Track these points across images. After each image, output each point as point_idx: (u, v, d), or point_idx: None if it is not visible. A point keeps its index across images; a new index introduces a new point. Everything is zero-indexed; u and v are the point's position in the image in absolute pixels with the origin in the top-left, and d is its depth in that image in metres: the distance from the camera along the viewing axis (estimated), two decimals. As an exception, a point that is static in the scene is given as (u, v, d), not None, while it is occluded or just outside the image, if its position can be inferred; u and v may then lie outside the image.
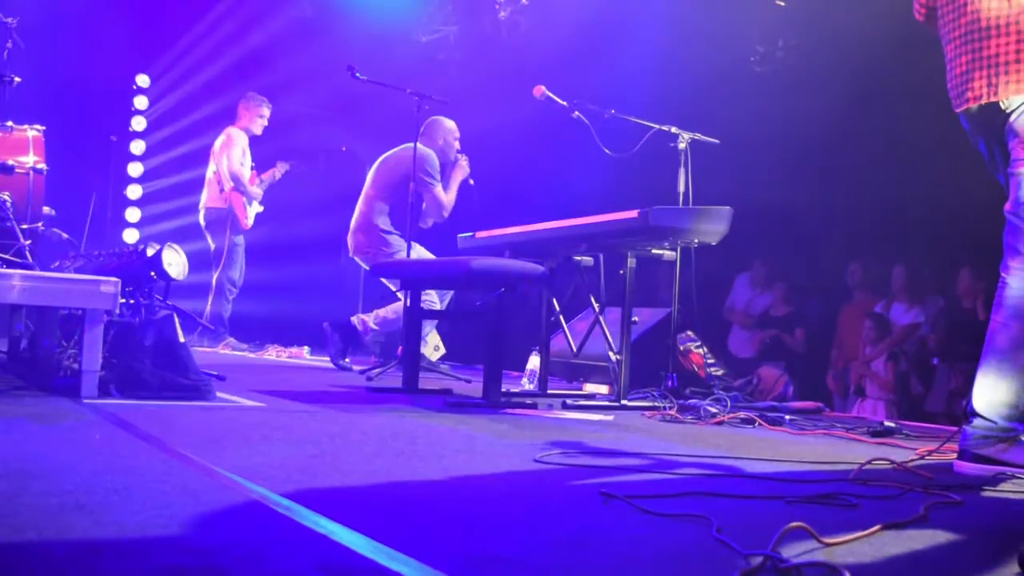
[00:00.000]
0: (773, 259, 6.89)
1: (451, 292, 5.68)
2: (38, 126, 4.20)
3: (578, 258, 4.39)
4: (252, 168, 7.33)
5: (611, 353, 4.13)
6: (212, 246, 7.20)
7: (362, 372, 5.06)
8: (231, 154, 7.10)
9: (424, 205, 5.68)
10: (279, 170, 7.44)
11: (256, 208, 7.32)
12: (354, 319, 5.66)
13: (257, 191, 7.26)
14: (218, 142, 7.22)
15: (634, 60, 6.63)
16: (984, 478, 2.36)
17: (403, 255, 5.50)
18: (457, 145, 5.88)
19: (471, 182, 5.86)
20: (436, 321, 5.72)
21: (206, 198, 7.23)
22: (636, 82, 6.35)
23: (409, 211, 5.42)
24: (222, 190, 7.12)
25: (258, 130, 7.32)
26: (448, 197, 5.71)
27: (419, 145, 5.54)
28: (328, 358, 5.68)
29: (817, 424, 3.74)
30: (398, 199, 5.67)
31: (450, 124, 5.89)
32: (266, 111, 7.34)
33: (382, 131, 6.99)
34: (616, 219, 3.90)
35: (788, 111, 6.04)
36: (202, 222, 7.26)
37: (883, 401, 6.00)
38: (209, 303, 7.11)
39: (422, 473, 2.12)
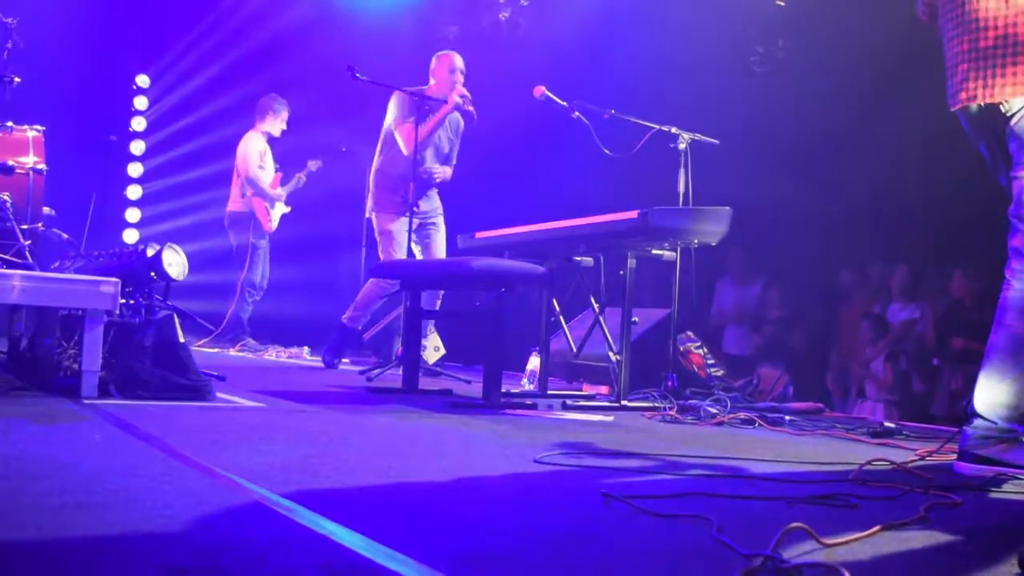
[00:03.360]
0: (752, 250, 6.86)
1: (441, 292, 5.66)
2: (38, 126, 4.20)
3: (578, 258, 4.38)
4: (277, 170, 7.35)
5: (611, 353, 4.13)
6: (234, 246, 7.25)
7: (362, 372, 5.06)
8: (248, 160, 7.13)
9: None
10: (312, 167, 7.43)
11: (282, 209, 7.34)
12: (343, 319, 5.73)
13: (280, 193, 7.28)
14: (239, 146, 7.25)
15: (634, 60, 6.63)
16: (984, 479, 2.36)
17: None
18: (455, 78, 5.58)
19: (472, 113, 5.49)
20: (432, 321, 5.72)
21: (229, 200, 7.29)
22: (636, 82, 6.35)
23: (409, 208, 5.40)
24: (244, 194, 7.16)
25: (277, 132, 7.34)
26: (407, 133, 5.46)
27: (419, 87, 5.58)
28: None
29: (817, 425, 3.74)
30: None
31: (442, 59, 5.66)
32: (285, 113, 7.36)
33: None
34: (616, 219, 3.90)
35: (788, 111, 6.04)
36: (225, 223, 7.32)
37: (883, 402, 6.00)
38: (233, 305, 7.14)
39: (422, 473, 2.12)
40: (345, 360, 5.72)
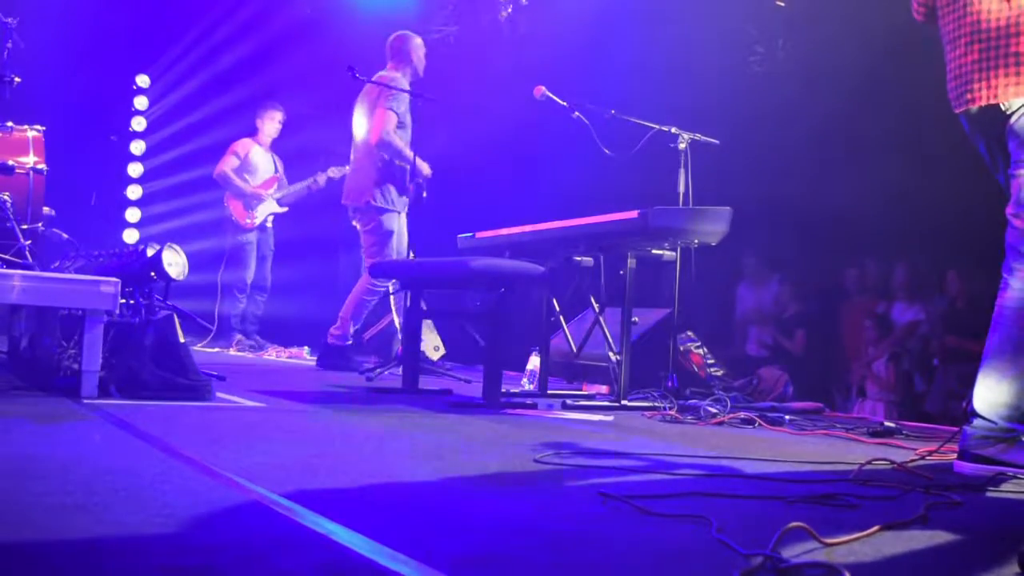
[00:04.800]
0: (765, 251, 6.87)
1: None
2: (38, 126, 4.20)
3: (578, 258, 4.39)
4: (276, 173, 7.39)
5: (611, 353, 4.13)
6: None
7: (362, 372, 5.06)
8: (223, 159, 7.23)
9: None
10: (333, 174, 7.44)
11: (271, 208, 7.35)
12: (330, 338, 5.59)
13: (272, 193, 7.31)
14: None
15: (634, 60, 6.63)
16: (984, 478, 2.36)
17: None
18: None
19: (423, 189, 5.46)
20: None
21: None
22: (636, 82, 6.35)
23: (410, 211, 5.41)
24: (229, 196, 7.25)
25: (266, 138, 7.40)
26: (396, 139, 5.39)
27: (390, 71, 5.52)
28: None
29: (817, 424, 3.74)
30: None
31: (419, 40, 5.68)
32: (276, 116, 7.42)
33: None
34: (616, 219, 3.90)
35: (788, 111, 6.04)
36: (228, 224, 7.41)
37: (884, 402, 6.00)
38: (218, 304, 7.18)
39: (422, 473, 2.12)
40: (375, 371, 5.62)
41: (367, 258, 5.58)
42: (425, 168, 5.48)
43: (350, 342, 5.60)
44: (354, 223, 5.68)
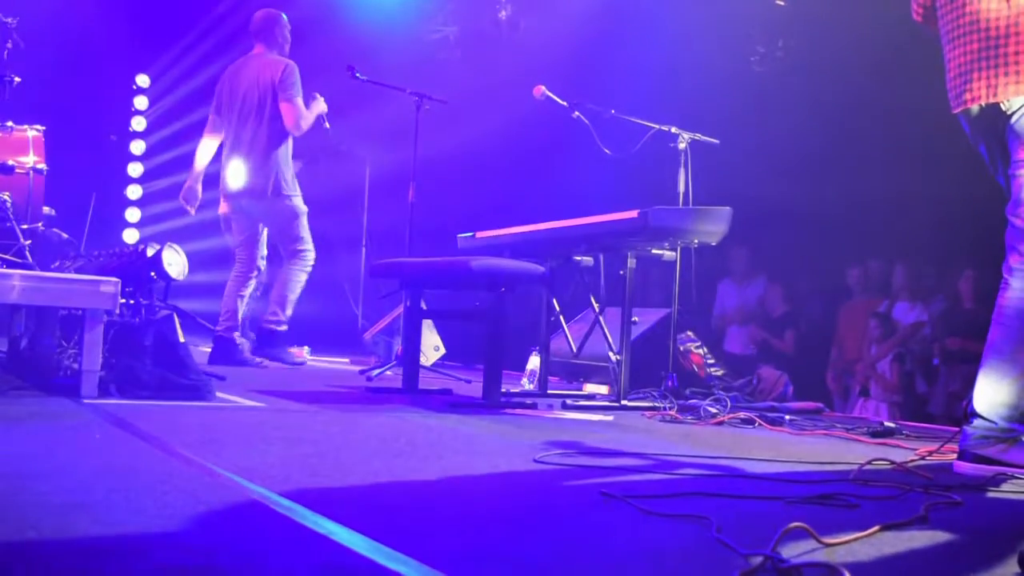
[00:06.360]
0: (753, 249, 6.87)
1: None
2: (38, 126, 4.20)
3: (578, 258, 4.39)
4: None
5: (611, 353, 4.13)
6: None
7: (362, 372, 5.06)
8: None
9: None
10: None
11: None
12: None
13: None
14: None
15: (634, 60, 6.63)
16: (984, 478, 2.36)
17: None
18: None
19: (327, 125, 5.64)
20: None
21: (222, 201, 7.27)
22: (636, 82, 6.35)
23: (410, 211, 5.40)
24: None
25: None
26: (311, 120, 5.50)
27: (276, 56, 5.51)
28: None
29: (817, 424, 3.74)
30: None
31: (285, 18, 5.67)
32: None
33: (382, 131, 6.99)
34: (616, 219, 3.91)
35: (788, 111, 6.04)
36: (222, 226, 7.32)
37: (887, 402, 6.00)
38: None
39: (422, 473, 2.12)
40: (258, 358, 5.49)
41: (289, 244, 5.54)
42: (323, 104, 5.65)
43: (285, 327, 5.55)
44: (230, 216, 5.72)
